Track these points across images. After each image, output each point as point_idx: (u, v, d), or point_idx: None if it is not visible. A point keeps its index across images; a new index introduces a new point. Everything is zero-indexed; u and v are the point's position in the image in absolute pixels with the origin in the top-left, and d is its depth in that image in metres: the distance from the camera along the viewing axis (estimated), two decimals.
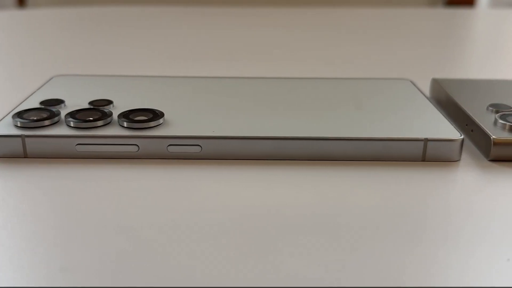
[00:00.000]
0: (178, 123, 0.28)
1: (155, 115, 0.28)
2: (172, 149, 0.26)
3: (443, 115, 0.30)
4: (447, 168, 0.27)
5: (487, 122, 0.29)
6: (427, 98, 0.33)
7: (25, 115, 0.27)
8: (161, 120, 0.27)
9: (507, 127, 0.28)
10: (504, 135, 0.27)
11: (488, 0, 1.43)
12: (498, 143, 0.27)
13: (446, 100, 0.34)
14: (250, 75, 0.43)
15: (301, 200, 0.23)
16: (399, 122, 0.29)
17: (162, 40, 0.55)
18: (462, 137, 0.27)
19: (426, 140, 0.27)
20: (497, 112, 0.30)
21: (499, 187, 0.25)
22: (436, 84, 0.36)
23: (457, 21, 0.70)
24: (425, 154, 0.27)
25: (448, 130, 0.28)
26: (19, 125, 0.27)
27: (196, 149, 0.26)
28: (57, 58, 0.47)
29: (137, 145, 0.26)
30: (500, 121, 0.28)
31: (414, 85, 0.35)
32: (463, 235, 0.21)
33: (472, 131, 0.30)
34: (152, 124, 0.27)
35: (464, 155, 0.28)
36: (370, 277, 0.18)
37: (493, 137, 0.27)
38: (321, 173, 0.26)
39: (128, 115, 0.28)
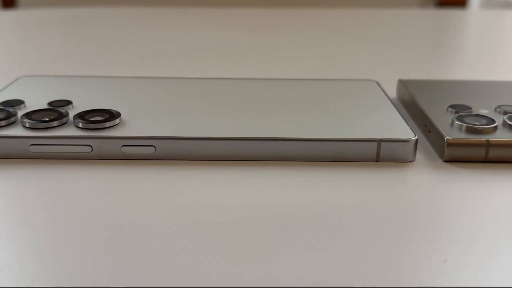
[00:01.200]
0: (134, 123, 0.28)
1: (111, 115, 0.28)
2: (126, 149, 0.26)
3: (402, 116, 0.30)
4: (400, 168, 0.27)
5: (444, 123, 0.29)
6: (389, 99, 0.33)
7: None
8: (117, 121, 0.28)
9: (463, 128, 0.28)
10: (459, 136, 0.27)
11: (480, 1, 1.43)
12: (452, 144, 0.27)
13: (409, 101, 0.34)
14: (218, 76, 0.43)
15: (254, 201, 0.23)
16: (355, 123, 0.29)
17: (141, 40, 0.55)
18: (416, 137, 0.27)
19: (379, 141, 0.27)
20: (456, 113, 0.30)
21: (449, 188, 0.25)
22: (402, 85, 0.36)
23: (445, 22, 0.70)
24: (379, 155, 0.27)
25: (403, 131, 0.28)
26: None
27: (150, 150, 0.27)
28: (34, 59, 0.47)
29: (91, 146, 0.26)
30: (457, 122, 0.28)
31: (379, 86, 0.35)
32: (411, 235, 0.21)
33: (429, 131, 0.30)
34: (107, 124, 0.27)
35: (420, 156, 0.28)
36: (315, 278, 0.18)
37: (447, 137, 0.27)
38: (275, 174, 0.26)
39: (84, 116, 0.28)
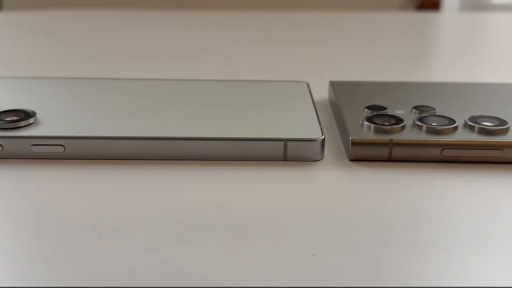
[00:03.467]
0: (48, 123, 0.28)
1: (26, 115, 0.28)
2: (36, 149, 0.27)
3: (317, 117, 0.30)
4: (306, 167, 0.27)
5: (355, 123, 0.29)
6: (312, 100, 0.33)
7: None
8: (31, 120, 0.28)
9: (372, 128, 0.29)
10: (366, 136, 0.28)
11: (458, 4, 1.44)
12: (356, 143, 0.28)
13: (334, 101, 0.35)
14: (151, 76, 0.43)
15: (162, 200, 0.24)
16: (267, 123, 0.29)
17: (96, 42, 0.55)
18: (323, 137, 0.28)
19: (286, 140, 0.28)
20: (371, 113, 0.31)
21: (347, 186, 0.26)
22: (331, 86, 0.37)
23: (416, 25, 0.70)
24: (286, 154, 0.28)
25: (312, 131, 0.28)
26: None
27: (59, 149, 0.27)
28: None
29: (1, 145, 0.27)
30: (366, 122, 0.29)
31: (308, 87, 0.36)
32: (305, 233, 0.22)
33: (342, 131, 0.30)
34: (21, 124, 0.28)
35: (329, 155, 0.29)
36: (211, 273, 0.19)
37: (351, 137, 0.28)
38: (183, 173, 0.27)
39: None
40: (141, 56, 0.50)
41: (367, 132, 0.28)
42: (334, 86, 0.36)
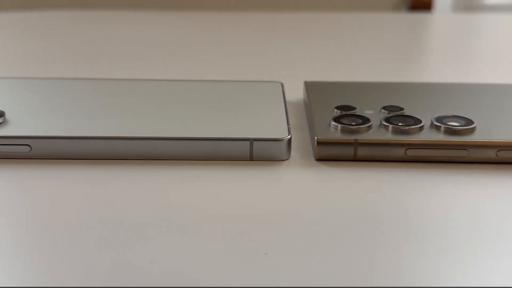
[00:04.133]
0: (16, 123, 0.28)
1: None
2: (2, 148, 0.27)
3: (286, 117, 0.30)
4: (271, 167, 0.28)
5: (323, 123, 0.30)
6: (284, 100, 0.33)
7: None
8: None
9: (339, 128, 0.29)
10: (331, 136, 0.28)
11: (450, 5, 1.45)
12: (322, 143, 0.28)
13: (306, 102, 0.35)
14: (134, 76, 0.43)
15: (124, 200, 0.24)
16: (235, 123, 0.29)
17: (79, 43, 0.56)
18: (289, 136, 0.28)
19: (252, 140, 0.28)
20: (339, 113, 0.31)
21: (311, 186, 0.26)
22: (305, 86, 0.37)
23: (410, 25, 0.70)
24: (252, 154, 0.28)
25: (279, 131, 0.29)
26: None
27: (25, 149, 0.27)
28: None
29: None
30: (333, 122, 0.29)
31: (282, 88, 0.36)
32: (261, 233, 0.22)
33: (310, 131, 0.30)
34: None
35: (296, 155, 0.29)
36: (166, 272, 0.19)
37: (317, 136, 0.28)
38: (149, 173, 0.27)
39: None
40: (124, 57, 0.50)
41: (333, 132, 0.29)
42: (308, 86, 0.36)
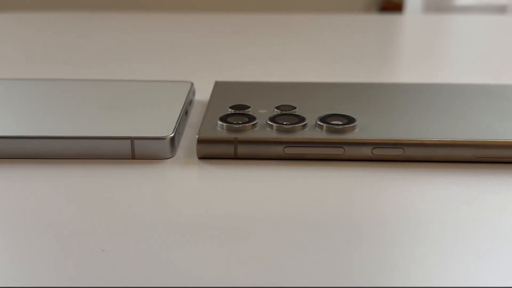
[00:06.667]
0: None
1: None
2: None
3: (179, 116, 0.31)
4: (151, 165, 0.28)
5: (211, 122, 0.30)
6: (185, 100, 0.34)
7: None
8: None
9: (224, 127, 0.29)
10: (214, 134, 0.29)
11: (421, 6, 1.46)
12: (202, 141, 0.28)
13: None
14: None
15: (7, 199, 0.25)
16: (123, 122, 0.30)
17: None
18: (171, 135, 0.28)
19: (132, 139, 0.28)
20: (231, 112, 0.31)
21: (189, 183, 0.26)
22: (214, 86, 0.37)
23: (378, 27, 0.71)
24: (134, 152, 0.28)
25: (163, 129, 0.29)
26: None
27: None
28: None
29: None
30: (219, 121, 0.29)
31: (191, 87, 0.37)
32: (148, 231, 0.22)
33: None
34: None
35: (183, 153, 0.29)
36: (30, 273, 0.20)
37: (198, 135, 0.28)
38: (31, 171, 0.27)
39: None
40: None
41: (217, 131, 0.29)
42: (216, 86, 0.37)
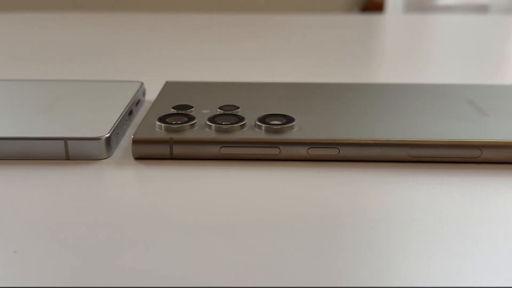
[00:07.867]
0: None
1: None
2: None
3: (120, 116, 0.31)
4: (85, 166, 0.28)
5: (150, 122, 0.30)
6: (130, 100, 0.34)
7: None
8: None
9: (162, 128, 0.29)
10: (149, 135, 0.28)
11: (402, 6, 1.46)
12: (137, 141, 0.28)
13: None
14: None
15: None
16: (59, 122, 0.30)
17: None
18: (107, 135, 0.28)
19: (66, 139, 0.28)
20: (172, 112, 0.31)
21: (122, 184, 0.26)
22: (163, 86, 0.37)
23: (358, 26, 0.71)
24: (68, 153, 0.28)
25: (99, 130, 0.29)
26: None
27: None
28: None
29: None
30: (157, 122, 0.29)
31: (140, 88, 0.36)
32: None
33: None
34: None
35: (120, 154, 0.29)
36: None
37: (133, 135, 0.28)
38: None
39: None
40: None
41: (154, 131, 0.29)
42: (166, 86, 0.37)
